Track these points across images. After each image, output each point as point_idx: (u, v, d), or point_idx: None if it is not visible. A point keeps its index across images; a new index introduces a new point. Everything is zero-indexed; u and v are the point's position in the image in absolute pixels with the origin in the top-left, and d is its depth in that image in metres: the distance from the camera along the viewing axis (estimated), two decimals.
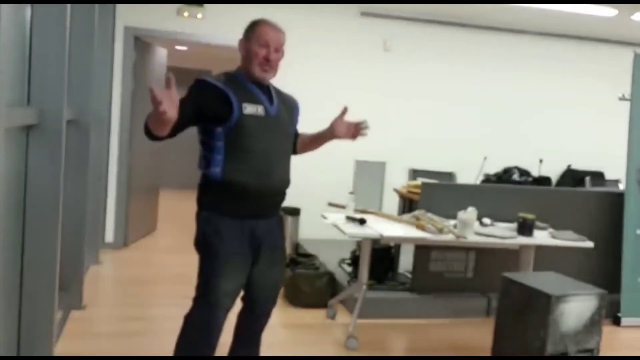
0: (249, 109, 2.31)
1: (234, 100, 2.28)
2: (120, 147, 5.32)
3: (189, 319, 2.50)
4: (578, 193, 4.58)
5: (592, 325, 2.80)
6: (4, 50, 1.49)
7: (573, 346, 2.75)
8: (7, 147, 2.06)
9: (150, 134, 2.20)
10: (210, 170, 2.34)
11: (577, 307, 2.75)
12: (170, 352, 2.52)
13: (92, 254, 4.65)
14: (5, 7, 1.46)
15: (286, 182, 2.53)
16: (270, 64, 2.39)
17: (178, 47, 9.03)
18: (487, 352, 3.08)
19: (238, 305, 2.54)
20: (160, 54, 6.02)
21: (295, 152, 2.69)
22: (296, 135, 2.67)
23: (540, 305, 2.72)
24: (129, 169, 5.40)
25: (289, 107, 2.56)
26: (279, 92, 2.55)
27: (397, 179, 5.93)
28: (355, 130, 2.70)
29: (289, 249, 5.57)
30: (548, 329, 2.68)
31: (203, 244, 2.48)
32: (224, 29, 5.45)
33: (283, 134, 2.48)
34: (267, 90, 2.45)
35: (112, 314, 3.80)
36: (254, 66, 2.37)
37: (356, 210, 3.92)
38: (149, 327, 3.55)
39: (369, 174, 5.96)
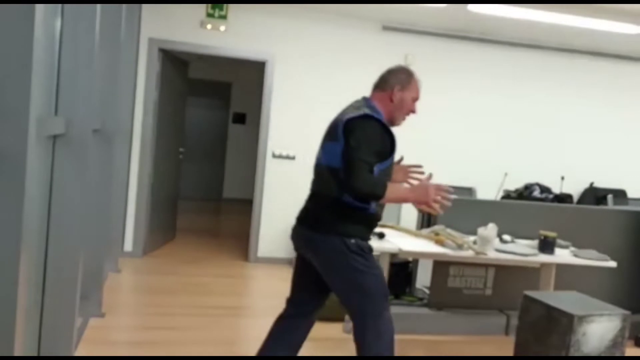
0: (395, 156, 2.60)
1: (393, 147, 2.51)
2: (141, 157, 5.38)
3: (380, 339, 2.55)
4: (600, 211, 4.52)
5: (615, 347, 2.75)
6: (38, 62, 1.52)
7: None
8: (36, 156, 2.10)
9: (376, 198, 2.42)
10: (364, 204, 2.45)
11: (600, 328, 2.70)
12: None
13: (112, 262, 4.70)
14: (39, 17, 1.50)
15: None
16: (416, 109, 2.69)
17: (201, 59, 9.13)
18: None
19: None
20: (183, 66, 6.10)
21: None
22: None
23: (562, 325, 2.68)
24: (149, 178, 5.46)
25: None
26: None
27: None
28: (407, 173, 2.82)
29: None
30: (570, 350, 2.64)
31: (358, 268, 2.50)
32: (246, 41, 5.51)
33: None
34: None
35: (131, 323, 3.83)
36: (402, 114, 2.64)
37: None
38: (167, 337, 3.56)
39: None
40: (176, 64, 5.85)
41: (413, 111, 2.66)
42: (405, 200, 2.53)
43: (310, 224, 2.60)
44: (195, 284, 4.80)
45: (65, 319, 2.48)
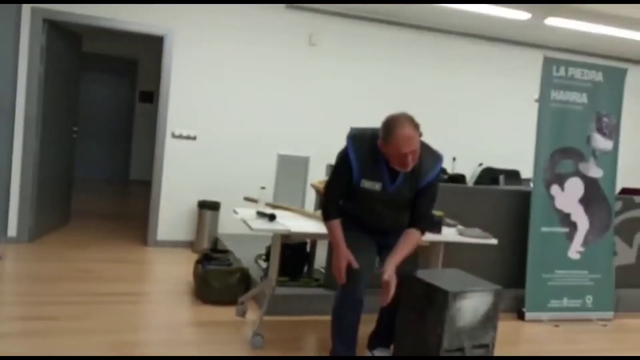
0: (367, 184, 2.79)
1: (356, 176, 2.79)
2: (25, 135, 5.01)
3: (334, 307, 2.97)
4: (490, 191, 4.70)
5: (488, 321, 2.86)
6: None
7: (469, 341, 2.80)
8: None
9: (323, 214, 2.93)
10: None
11: (473, 303, 2.80)
12: (70, 352, 2.36)
13: None
14: None
15: (398, 227, 2.95)
16: (408, 166, 2.67)
17: (98, 33, 8.66)
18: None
19: None
20: (75, 39, 5.73)
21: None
22: (423, 200, 2.87)
23: (438, 301, 2.75)
24: (35, 157, 5.10)
25: (416, 178, 2.81)
26: (413, 170, 2.77)
27: (320, 175, 5.91)
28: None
29: (206, 244, 5.45)
30: (444, 325, 2.71)
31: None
32: (142, 15, 5.24)
33: (396, 204, 2.87)
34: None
35: (9, 313, 3.56)
36: (394, 164, 2.70)
37: (268, 205, 3.86)
38: (47, 327, 3.35)
39: (292, 168, 5.90)
40: (66, 37, 5.47)
41: (405, 164, 2.65)
42: (333, 246, 2.89)
43: None
44: (85, 270, 4.57)
45: None
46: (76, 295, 3.97)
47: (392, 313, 3.07)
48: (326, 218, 2.90)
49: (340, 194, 2.91)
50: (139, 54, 9.53)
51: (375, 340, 3.26)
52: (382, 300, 2.72)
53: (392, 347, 3.21)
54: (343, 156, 2.83)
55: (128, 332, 3.41)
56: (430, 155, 2.84)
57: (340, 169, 2.85)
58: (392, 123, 2.65)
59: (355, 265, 2.79)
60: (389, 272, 2.70)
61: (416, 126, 2.67)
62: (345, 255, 2.81)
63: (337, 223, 2.88)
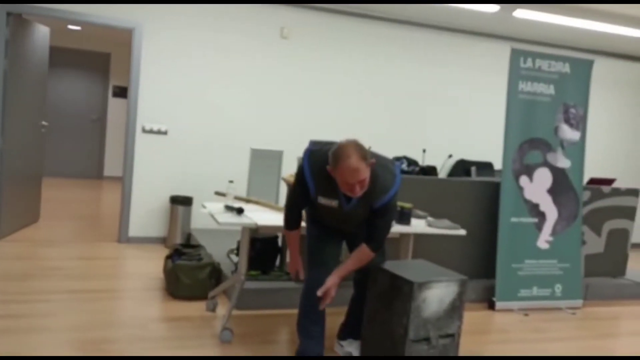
0: (323, 201, 2.82)
1: (312, 192, 2.82)
2: None
3: (303, 291, 3.03)
4: (460, 183, 4.74)
5: (453, 311, 2.88)
6: None
7: (435, 331, 2.82)
8: None
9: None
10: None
11: (438, 293, 2.81)
12: (36, 350, 2.32)
13: None
14: None
15: (357, 229, 3.02)
16: (357, 193, 2.64)
17: (71, 27, 8.52)
18: None
19: None
20: (42, 33, 5.62)
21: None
22: (375, 221, 2.85)
23: (404, 292, 2.76)
24: (1, 154, 5.00)
25: (369, 201, 2.77)
26: (368, 191, 2.73)
27: (293, 168, 5.90)
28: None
29: (179, 240, 5.41)
30: (410, 315, 2.73)
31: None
32: (110, 8, 5.15)
33: (353, 220, 2.88)
34: None
35: None
36: (343, 190, 2.67)
37: (237, 199, 3.84)
38: (14, 325, 3.29)
39: (265, 162, 5.88)
40: (32, 31, 5.37)
41: (350, 192, 2.63)
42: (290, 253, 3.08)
43: None
44: (54, 267, 4.50)
45: None
46: (45, 293, 3.91)
47: (362, 304, 3.07)
48: (285, 227, 2.98)
49: (300, 206, 2.94)
50: (111, 48, 9.41)
51: (346, 331, 3.27)
52: (320, 305, 2.84)
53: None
54: (301, 175, 2.84)
55: (96, 329, 3.37)
56: (386, 176, 2.75)
57: (298, 184, 2.87)
58: (339, 153, 2.60)
59: (301, 276, 3.09)
60: (331, 281, 2.79)
61: (364, 156, 2.59)
62: (295, 265, 3.08)
63: (294, 234, 2.98)
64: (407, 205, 3.71)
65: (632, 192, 5.20)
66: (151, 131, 5.44)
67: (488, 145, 6.81)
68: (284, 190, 5.51)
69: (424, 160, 5.08)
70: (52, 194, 7.77)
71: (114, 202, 7.73)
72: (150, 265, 4.82)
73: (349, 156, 2.57)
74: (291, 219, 2.95)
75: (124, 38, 9.27)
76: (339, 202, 2.80)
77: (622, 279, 5.15)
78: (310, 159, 2.80)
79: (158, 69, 5.40)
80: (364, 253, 2.84)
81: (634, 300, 4.97)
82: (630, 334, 4.35)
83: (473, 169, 5.51)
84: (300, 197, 2.88)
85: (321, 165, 2.75)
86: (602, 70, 6.93)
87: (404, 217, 3.70)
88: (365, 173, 2.61)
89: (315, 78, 5.98)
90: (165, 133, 5.49)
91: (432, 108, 6.48)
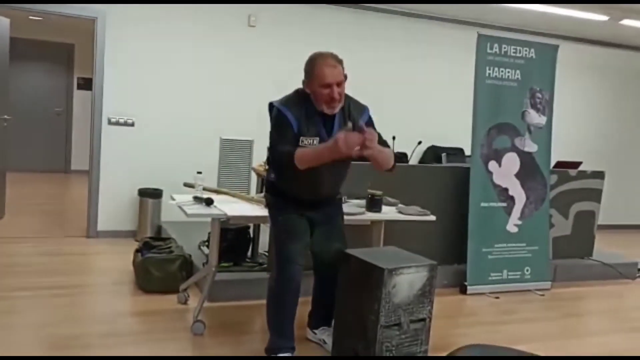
0: (306, 142, 2.72)
1: (296, 130, 2.71)
2: None
3: (270, 284, 3.00)
4: (431, 169, 4.77)
5: (424, 296, 2.90)
6: None
7: (406, 316, 2.84)
8: None
9: (291, 162, 2.66)
10: (270, 178, 2.97)
11: (409, 279, 2.83)
12: (3, 351, 2.26)
13: None
14: None
15: (334, 192, 3.02)
16: (335, 100, 2.68)
17: (32, 17, 8.28)
18: None
19: None
20: (2, 24, 5.44)
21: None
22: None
23: (374, 278, 2.77)
24: None
25: (353, 122, 2.76)
26: (345, 112, 2.80)
27: (263, 158, 5.85)
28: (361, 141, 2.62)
29: (149, 233, 5.33)
30: (381, 301, 2.74)
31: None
32: None
33: (334, 167, 2.78)
34: (331, 118, 2.77)
35: None
36: (321, 104, 2.70)
37: (207, 190, 3.79)
38: None
39: (235, 152, 5.82)
40: None
41: (331, 97, 2.65)
42: (323, 159, 2.65)
43: None
44: (21, 264, 4.39)
45: None
46: (11, 290, 3.81)
47: (331, 290, 3.07)
48: (292, 159, 2.64)
49: (291, 142, 2.72)
50: (75, 38, 9.17)
51: (317, 319, 3.26)
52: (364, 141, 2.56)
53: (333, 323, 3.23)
54: (279, 117, 2.75)
55: (65, 325, 3.30)
56: (357, 104, 2.91)
57: (281, 128, 2.75)
58: (313, 56, 2.71)
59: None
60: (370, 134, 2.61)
61: (339, 61, 2.71)
62: (334, 142, 2.54)
63: (301, 151, 2.67)
64: (378, 192, 3.73)
65: (597, 175, 5.31)
66: (117, 123, 5.33)
67: (459, 131, 6.85)
68: (255, 181, 5.47)
69: (395, 147, 5.08)
70: (18, 189, 7.58)
71: (81, 196, 7.56)
72: (119, 260, 4.73)
73: (325, 56, 2.70)
74: (289, 149, 2.68)
75: (88, 28, 9.05)
76: (319, 140, 2.73)
77: (589, 259, 5.26)
78: (281, 101, 2.78)
79: (123, 60, 5.28)
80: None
81: (601, 281, 5.09)
82: (595, 313, 4.47)
83: (444, 155, 5.55)
84: (286, 136, 2.71)
85: (295, 102, 2.75)
86: (567, 54, 7.02)
87: (375, 204, 3.71)
88: (342, 76, 2.68)
89: (284, 66, 5.92)
90: (132, 125, 5.39)
91: (401, 95, 6.47)
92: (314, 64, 2.69)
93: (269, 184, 3.05)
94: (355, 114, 2.86)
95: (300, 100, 2.78)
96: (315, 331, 3.26)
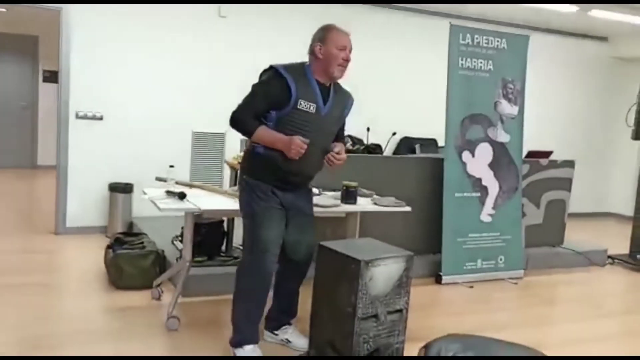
0: (303, 105, 2.74)
1: (294, 93, 2.71)
2: None
3: (240, 274, 2.94)
4: (405, 160, 4.78)
5: (401, 287, 2.89)
6: None
7: (382, 308, 2.83)
8: None
9: (248, 134, 2.81)
10: (256, 146, 2.81)
11: (385, 271, 2.82)
12: None
13: None
14: None
15: (315, 170, 2.98)
16: (348, 63, 2.81)
17: None
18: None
19: None
20: None
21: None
22: (341, 128, 3.08)
23: (351, 271, 2.75)
24: None
25: (341, 105, 2.95)
26: (337, 90, 2.92)
27: (236, 151, 5.78)
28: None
29: (120, 228, 5.22)
30: (358, 294, 2.72)
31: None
32: None
33: (325, 132, 2.88)
34: (327, 89, 2.85)
35: None
36: (333, 68, 2.79)
37: (179, 184, 3.72)
38: None
39: (208, 145, 5.73)
40: None
41: (346, 59, 2.79)
42: (274, 145, 2.75)
43: None
44: None
45: None
46: None
47: (298, 282, 3.04)
48: (250, 132, 2.76)
49: (257, 113, 2.76)
50: (39, 30, 8.89)
51: (278, 317, 3.14)
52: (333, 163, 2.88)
53: (293, 321, 3.17)
54: (274, 76, 2.75)
55: (35, 325, 3.21)
56: (345, 90, 3.02)
57: (269, 88, 2.75)
58: (327, 25, 2.87)
59: (306, 141, 2.72)
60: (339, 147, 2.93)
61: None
62: (289, 139, 2.69)
63: (262, 129, 2.74)
64: (353, 184, 3.71)
65: (568, 164, 5.40)
66: (85, 117, 5.20)
67: (432, 122, 6.87)
68: (227, 174, 5.40)
69: (368, 139, 5.08)
70: None
71: (49, 192, 7.37)
72: (90, 256, 4.62)
73: (338, 26, 2.86)
74: (250, 121, 2.75)
75: (53, 20, 8.80)
76: (316, 107, 2.77)
77: (561, 247, 5.35)
78: (285, 66, 2.78)
79: (90, 52, 5.14)
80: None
81: (572, 268, 5.18)
82: (567, 300, 4.55)
83: (417, 146, 5.57)
84: (262, 104, 2.74)
85: (297, 68, 2.80)
86: (537, 44, 7.11)
87: (350, 196, 3.69)
88: (351, 46, 2.86)
89: (255, 57, 5.83)
90: (100, 118, 5.26)
91: (374, 86, 6.46)
92: (330, 30, 2.84)
93: (252, 152, 2.87)
94: (342, 98, 2.96)
95: (299, 69, 2.83)
96: (276, 332, 3.14)
